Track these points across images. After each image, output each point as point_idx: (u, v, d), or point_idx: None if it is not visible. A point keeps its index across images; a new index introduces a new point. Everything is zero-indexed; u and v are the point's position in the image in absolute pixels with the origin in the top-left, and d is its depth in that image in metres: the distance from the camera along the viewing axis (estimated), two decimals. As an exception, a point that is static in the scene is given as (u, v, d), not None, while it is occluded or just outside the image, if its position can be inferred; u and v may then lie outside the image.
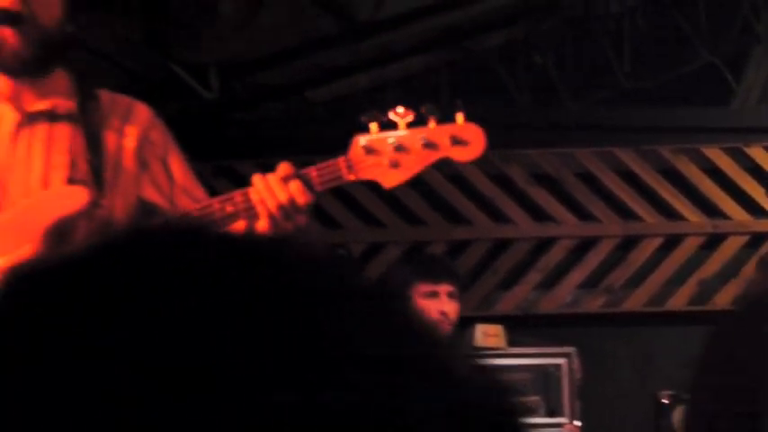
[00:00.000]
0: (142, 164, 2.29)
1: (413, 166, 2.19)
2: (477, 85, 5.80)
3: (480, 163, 4.11)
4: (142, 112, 2.34)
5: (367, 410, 0.46)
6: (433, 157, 2.20)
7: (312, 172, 2.19)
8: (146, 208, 2.29)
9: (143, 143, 2.30)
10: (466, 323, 4.33)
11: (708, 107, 5.72)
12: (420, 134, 2.18)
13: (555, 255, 5.32)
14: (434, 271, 3.97)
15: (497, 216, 5.36)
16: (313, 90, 5.84)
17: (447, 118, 2.21)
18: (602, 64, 5.76)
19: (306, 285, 0.50)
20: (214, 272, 0.49)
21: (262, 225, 2.14)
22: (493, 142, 2.28)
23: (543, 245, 5.35)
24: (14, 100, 2.24)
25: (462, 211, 5.35)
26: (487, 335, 4.33)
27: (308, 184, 2.15)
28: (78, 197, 2.15)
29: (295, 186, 2.12)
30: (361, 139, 2.20)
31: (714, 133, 5.40)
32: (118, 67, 4.65)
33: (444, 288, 3.88)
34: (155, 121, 2.34)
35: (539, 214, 5.34)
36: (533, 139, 5.39)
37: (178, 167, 2.33)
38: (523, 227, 5.33)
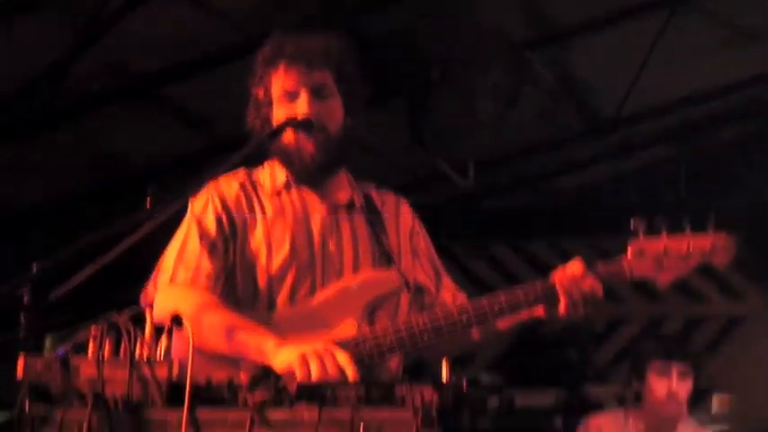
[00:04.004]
0: (414, 252, 2.56)
1: (678, 268, 2.42)
2: (712, 176, 6.07)
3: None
4: (406, 207, 2.60)
5: None
6: (695, 261, 2.41)
7: (600, 268, 2.41)
8: (419, 288, 2.54)
9: (412, 235, 2.57)
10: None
11: None
12: (685, 242, 2.41)
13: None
14: (668, 350, 4.01)
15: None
16: (558, 179, 6.30)
17: (696, 224, 2.43)
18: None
19: None
20: None
21: (561, 310, 2.37)
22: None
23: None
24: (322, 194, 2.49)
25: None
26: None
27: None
28: (393, 280, 2.42)
29: (593, 282, 2.37)
30: (636, 244, 2.42)
31: None
32: (384, 161, 5.17)
33: (676, 368, 3.93)
34: (415, 215, 2.61)
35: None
36: None
37: (433, 256, 2.62)
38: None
